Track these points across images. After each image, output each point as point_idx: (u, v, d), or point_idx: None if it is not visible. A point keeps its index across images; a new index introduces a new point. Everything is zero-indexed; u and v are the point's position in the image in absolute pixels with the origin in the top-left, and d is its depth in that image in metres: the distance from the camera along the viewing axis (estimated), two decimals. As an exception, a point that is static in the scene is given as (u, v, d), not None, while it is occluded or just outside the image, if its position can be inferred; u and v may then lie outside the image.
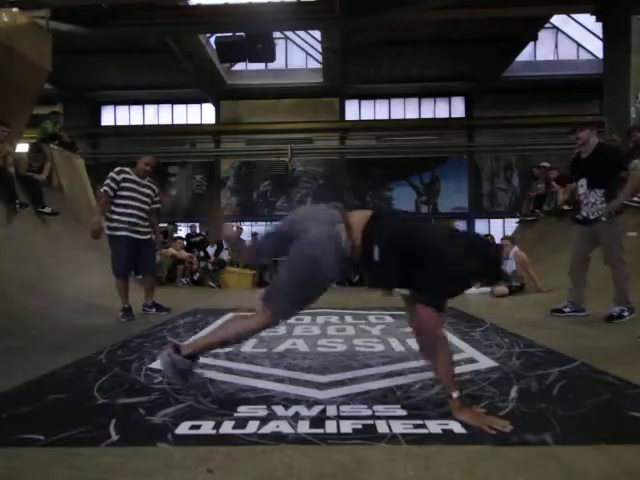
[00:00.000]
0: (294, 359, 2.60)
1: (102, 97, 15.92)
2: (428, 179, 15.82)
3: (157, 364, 2.30)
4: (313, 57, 15.30)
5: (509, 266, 6.33)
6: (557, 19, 13.74)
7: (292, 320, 3.45)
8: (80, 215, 6.12)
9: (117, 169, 4.40)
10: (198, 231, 10.46)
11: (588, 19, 11.60)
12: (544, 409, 1.73)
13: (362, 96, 15.83)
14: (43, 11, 6.82)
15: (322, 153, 15.94)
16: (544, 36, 13.47)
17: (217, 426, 1.58)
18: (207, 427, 1.58)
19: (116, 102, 16.25)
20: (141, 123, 16.28)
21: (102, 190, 4.40)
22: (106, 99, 16.09)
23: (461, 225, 15.64)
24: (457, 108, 15.92)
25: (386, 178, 15.73)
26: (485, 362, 2.48)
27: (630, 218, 5.10)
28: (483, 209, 15.92)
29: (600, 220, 3.90)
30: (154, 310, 4.60)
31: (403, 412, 1.71)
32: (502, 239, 6.94)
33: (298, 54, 15.51)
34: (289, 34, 15.06)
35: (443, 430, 1.54)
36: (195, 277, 8.57)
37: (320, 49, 13.29)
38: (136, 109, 16.40)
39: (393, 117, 15.96)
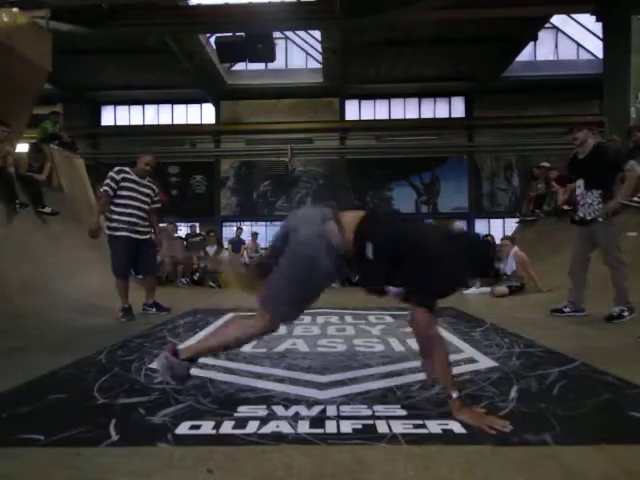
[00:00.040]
0: (294, 359, 2.60)
1: (102, 97, 15.94)
2: (428, 179, 15.83)
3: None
4: (313, 57, 15.31)
5: (509, 266, 6.33)
6: (557, 19, 13.75)
7: (292, 320, 3.44)
8: (80, 215, 6.11)
9: (116, 169, 4.39)
10: (198, 231, 10.46)
11: (588, 19, 11.61)
12: (544, 409, 1.73)
13: (362, 96, 15.84)
14: (43, 11, 6.81)
15: (322, 153, 15.94)
16: (544, 36, 13.49)
17: (217, 426, 1.58)
18: (207, 427, 1.58)
19: (116, 102, 16.27)
20: (141, 123, 16.30)
21: (102, 190, 4.39)
22: (106, 99, 16.11)
23: (461, 225, 15.66)
24: (457, 108, 15.93)
25: (386, 178, 15.74)
26: (485, 362, 2.48)
27: (630, 218, 5.10)
28: (483, 209, 15.93)
29: (597, 221, 3.91)
30: (154, 310, 4.59)
31: (403, 412, 1.71)
32: (502, 239, 6.93)
33: (298, 54, 15.52)
34: (289, 34, 15.07)
35: (443, 430, 1.54)
36: (195, 277, 8.56)
37: (320, 49, 13.30)
38: (136, 109, 16.41)
39: (393, 117, 15.98)
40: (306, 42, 15.16)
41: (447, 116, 15.97)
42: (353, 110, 16.11)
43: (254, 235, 11.08)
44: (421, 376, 2.12)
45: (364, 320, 4.07)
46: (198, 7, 10.25)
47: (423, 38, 12.03)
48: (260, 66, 14.36)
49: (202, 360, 2.39)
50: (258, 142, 15.82)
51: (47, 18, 6.82)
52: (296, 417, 1.67)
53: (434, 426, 1.57)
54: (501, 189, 15.89)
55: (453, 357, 2.36)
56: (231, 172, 16.14)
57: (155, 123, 16.20)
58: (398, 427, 1.56)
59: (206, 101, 15.93)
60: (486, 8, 9.51)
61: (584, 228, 4.04)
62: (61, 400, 1.90)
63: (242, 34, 9.93)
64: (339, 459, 1.35)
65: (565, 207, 6.63)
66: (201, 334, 3.36)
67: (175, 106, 16.27)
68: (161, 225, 5.26)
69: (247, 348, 2.84)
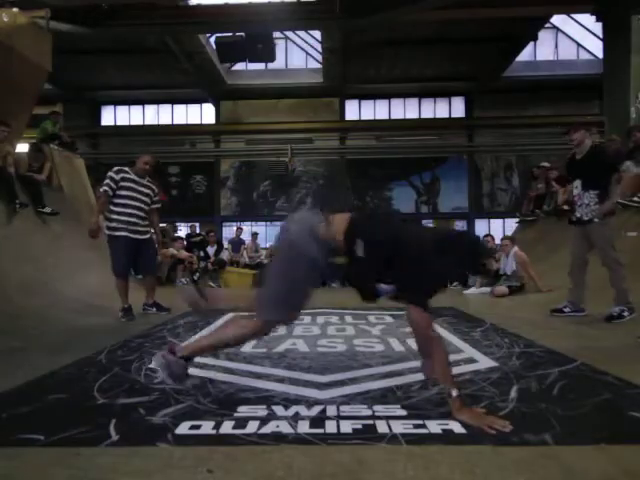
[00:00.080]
0: (294, 359, 2.60)
1: (102, 97, 15.94)
2: (428, 179, 15.83)
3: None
4: (313, 57, 15.31)
5: (509, 266, 6.34)
6: (557, 19, 13.76)
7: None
8: (80, 215, 6.11)
9: (116, 168, 4.38)
10: (198, 231, 10.46)
11: (588, 19, 11.61)
12: (544, 409, 1.73)
13: (362, 96, 15.84)
14: (43, 11, 6.81)
15: (322, 153, 15.94)
16: (544, 36, 13.49)
17: (217, 426, 1.58)
18: (207, 427, 1.58)
19: (116, 102, 16.27)
20: (141, 123, 16.31)
21: (101, 190, 4.39)
22: (106, 99, 16.11)
23: (461, 225, 15.66)
24: (457, 108, 15.93)
25: (386, 178, 15.73)
26: (485, 362, 2.48)
27: (630, 218, 5.11)
28: (483, 209, 15.93)
29: (593, 221, 3.92)
30: (154, 309, 4.60)
31: (403, 412, 1.71)
32: (502, 239, 6.94)
33: (298, 54, 15.52)
34: (289, 34, 15.07)
35: (443, 430, 1.54)
36: (195, 277, 8.56)
37: (320, 49, 13.31)
38: (136, 109, 16.41)
39: (393, 117, 15.98)
40: (306, 42, 15.16)
41: (447, 116, 15.98)
42: (353, 110, 16.11)
43: (254, 235, 11.08)
44: (421, 376, 2.11)
45: (364, 320, 4.07)
46: (198, 7, 10.25)
47: (423, 38, 12.03)
48: (260, 66, 14.36)
49: (202, 360, 2.40)
50: (258, 142, 15.82)
51: (47, 18, 6.82)
52: (296, 417, 1.67)
53: (434, 426, 1.57)
54: (501, 189, 15.89)
55: (453, 357, 2.36)
56: (231, 172, 16.14)
57: (155, 123, 16.20)
58: (398, 427, 1.56)
59: (206, 101, 15.93)
60: (486, 8, 9.52)
61: (581, 228, 4.05)
62: (61, 400, 1.90)
63: (242, 34, 9.93)
64: (339, 459, 1.35)
65: (565, 207, 6.63)
66: (201, 334, 3.36)
67: (175, 106, 16.27)
68: (161, 225, 5.27)
69: (247, 348, 2.85)
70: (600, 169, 3.92)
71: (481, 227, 15.35)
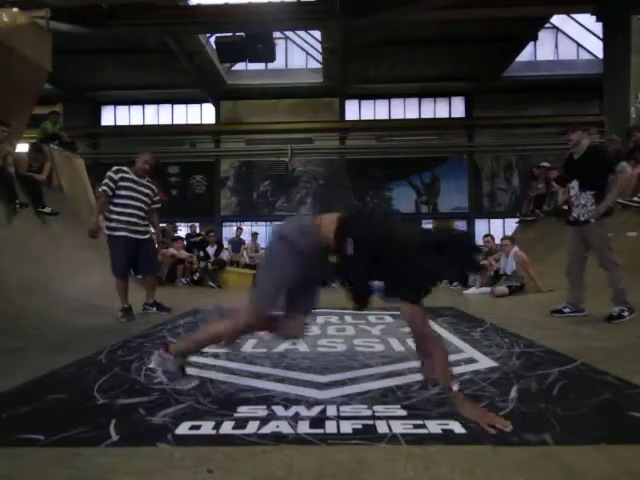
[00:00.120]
0: (294, 359, 2.60)
1: (102, 97, 15.94)
2: (428, 179, 15.83)
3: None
4: (313, 57, 15.32)
5: (509, 266, 6.34)
6: (557, 19, 13.76)
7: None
8: (80, 215, 6.11)
9: (115, 168, 4.36)
10: (198, 231, 10.45)
11: (588, 19, 11.62)
12: (544, 409, 1.73)
13: (362, 96, 15.84)
14: (43, 11, 6.81)
15: (322, 153, 15.95)
16: (544, 36, 13.49)
17: (217, 426, 1.58)
18: (207, 427, 1.58)
19: (116, 102, 16.27)
20: (141, 123, 16.31)
21: (100, 190, 4.39)
22: (106, 99, 16.11)
23: (461, 225, 15.66)
24: (457, 108, 15.94)
25: (386, 178, 15.74)
26: (485, 362, 2.48)
27: (630, 218, 5.11)
28: (483, 209, 15.94)
29: (589, 222, 3.92)
30: (155, 309, 4.60)
31: (403, 412, 1.71)
32: (502, 239, 6.94)
33: (298, 54, 15.52)
34: (289, 34, 15.08)
35: (443, 430, 1.54)
36: (195, 277, 8.56)
37: (320, 49, 13.31)
38: (136, 109, 16.42)
39: (393, 117, 15.99)
40: (306, 42, 15.17)
41: (447, 116, 15.98)
42: (353, 110, 16.11)
43: (254, 235, 11.07)
44: (421, 376, 2.11)
45: (364, 320, 4.07)
46: (198, 7, 10.26)
47: (423, 38, 12.03)
48: (260, 66, 14.37)
49: (202, 360, 2.41)
50: (258, 142, 15.82)
51: (47, 18, 6.82)
52: (296, 417, 1.67)
53: (434, 426, 1.57)
54: (501, 189, 15.90)
55: (453, 357, 2.37)
56: (231, 172, 16.15)
57: (155, 123, 16.21)
58: (398, 427, 1.56)
59: (206, 101, 15.93)
60: (486, 8, 9.53)
61: (578, 228, 4.06)
62: (61, 400, 1.90)
63: (242, 34, 9.94)
64: (339, 459, 1.35)
65: (565, 207, 6.62)
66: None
67: (175, 106, 16.27)
68: (161, 225, 5.27)
69: (247, 348, 2.85)
70: (597, 169, 3.93)
71: (481, 227, 15.35)
